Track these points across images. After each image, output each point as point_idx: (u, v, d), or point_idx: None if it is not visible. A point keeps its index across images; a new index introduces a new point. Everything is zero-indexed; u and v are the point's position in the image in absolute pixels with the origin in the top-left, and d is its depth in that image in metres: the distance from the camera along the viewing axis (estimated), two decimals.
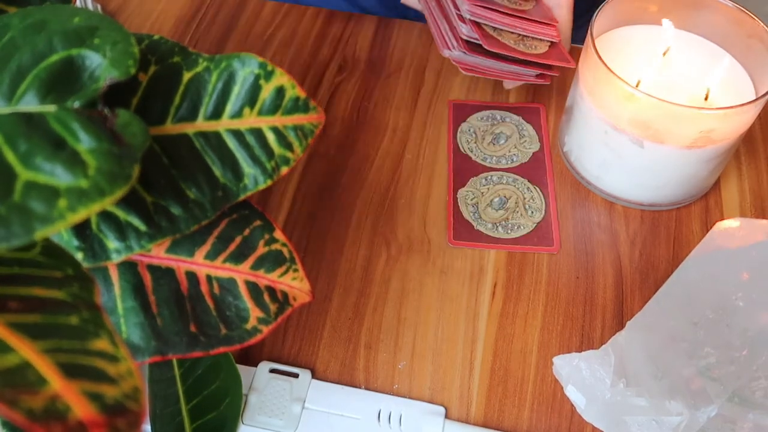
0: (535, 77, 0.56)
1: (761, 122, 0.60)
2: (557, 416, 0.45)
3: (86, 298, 0.23)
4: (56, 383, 0.20)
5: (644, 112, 0.47)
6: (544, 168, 0.57)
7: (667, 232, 0.53)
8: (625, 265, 0.51)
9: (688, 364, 0.40)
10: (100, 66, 0.26)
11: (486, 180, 0.56)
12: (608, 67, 0.47)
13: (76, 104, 0.25)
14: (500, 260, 0.51)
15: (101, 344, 0.22)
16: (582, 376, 0.42)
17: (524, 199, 0.54)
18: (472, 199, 0.54)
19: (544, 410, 0.45)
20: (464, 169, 0.57)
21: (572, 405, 0.43)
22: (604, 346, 0.43)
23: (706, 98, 0.51)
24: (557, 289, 0.50)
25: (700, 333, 0.40)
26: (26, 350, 0.21)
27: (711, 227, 0.43)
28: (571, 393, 0.43)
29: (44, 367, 0.21)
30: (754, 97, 0.47)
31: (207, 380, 0.42)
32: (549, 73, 0.55)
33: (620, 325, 0.48)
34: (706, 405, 0.39)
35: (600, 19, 0.51)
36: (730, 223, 0.43)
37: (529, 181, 0.56)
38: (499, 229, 0.53)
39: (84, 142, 0.23)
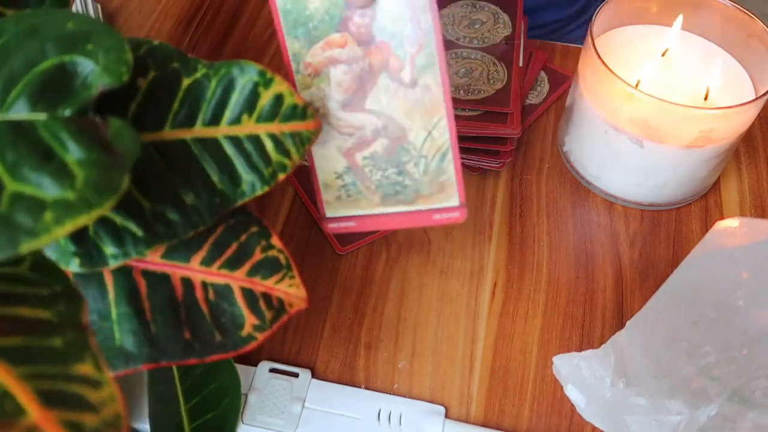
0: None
1: (761, 122, 0.60)
2: (557, 416, 0.45)
3: (72, 317, 0.23)
4: (34, 413, 0.20)
5: (644, 111, 0.47)
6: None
7: (667, 232, 0.53)
8: (625, 265, 0.51)
9: (688, 363, 0.40)
10: (93, 72, 0.25)
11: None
12: (608, 67, 0.47)
13: (68, 112, 0.25)
14: (500, 260, 0.51)
15: (84, 368, 0.22)
16: (582, 376, 0.42)
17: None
18: None
19: (543, 410, 0.45)
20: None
21: (572, 404, 0.43)
22: (604, 345, 0.43)
23: (705, 98, 0.50)
24: (557, 289, 0.50)
25: (699, 332, 0.40)
26: (5, 377, 0.20)
27: (711, 227, 0.43)
28: (571, 392, 0.43)
29: (23, 395, 0.20)
30: (754, 97, 0.47)
31: (206, 380, 0.42)
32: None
33: (620, 325, 0.48)
34: (705, 404, 0.39)
35: (600, 19, 0.51)
36: (730, 223, 0.42)
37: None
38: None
39: (73, 153, 0.23)
